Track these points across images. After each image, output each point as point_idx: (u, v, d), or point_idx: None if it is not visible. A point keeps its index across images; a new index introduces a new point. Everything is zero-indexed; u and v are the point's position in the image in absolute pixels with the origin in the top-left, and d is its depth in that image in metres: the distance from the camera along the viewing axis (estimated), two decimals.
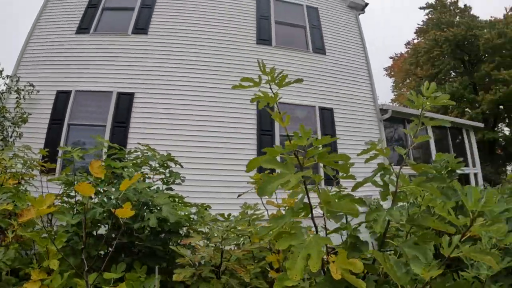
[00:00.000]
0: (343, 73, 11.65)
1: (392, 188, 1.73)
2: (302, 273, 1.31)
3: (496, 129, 34.01)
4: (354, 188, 1.81)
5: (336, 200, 1.69)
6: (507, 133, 38.97)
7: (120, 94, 9.03)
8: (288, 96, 9.78)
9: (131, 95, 9.09)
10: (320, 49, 11.51)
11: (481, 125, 17.14)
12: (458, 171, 3.11)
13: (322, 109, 10.63)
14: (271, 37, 10.85)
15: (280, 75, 1.88)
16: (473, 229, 1.41)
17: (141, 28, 10.04)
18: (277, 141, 9.57)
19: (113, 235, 2.60)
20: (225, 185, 8.53)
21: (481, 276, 2.03)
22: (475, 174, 15.13)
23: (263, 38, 10.68)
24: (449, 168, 3.06)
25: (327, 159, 1.65)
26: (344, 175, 1.77)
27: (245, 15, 10.94)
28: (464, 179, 14.59)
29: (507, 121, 34.58)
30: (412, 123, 1.86)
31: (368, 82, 12.06)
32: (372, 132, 11.26)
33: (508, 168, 40.42)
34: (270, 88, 1.92)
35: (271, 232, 1.58)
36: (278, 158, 1.65)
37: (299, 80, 1.87)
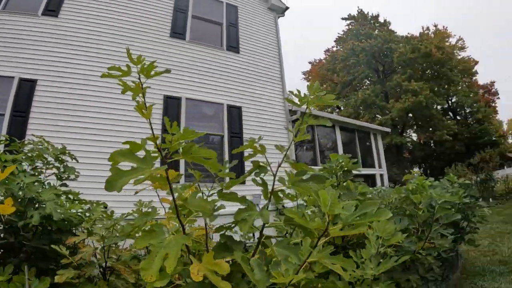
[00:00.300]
0: (255, 72, 11.73)
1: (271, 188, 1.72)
2: (158, 274, 1.25)
3: (404, 134, 36.55)
4: (227, 186, 1.75)
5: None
6: (414, 138, 41.97)
7: (21, 80, 8.34)
8: (197, 92, 9.79)
9: (33, 82, 8.28)
10: (234, 47, 11.49)
11: (388, 130, 18.24)
12: (355, 171, 3.27)
13: (230, 107, 10.52)
14: (185, 31, 10.51)
15: (147, 65, 1.69)
16: (331, 232, 1.36)
17: (52, 9, 9.04)
18: None
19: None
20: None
21: (365, 276, 2.12)
22: (381, 175, 16.07)
23: (177, 32, 10.27)
24: (345, 168, 3.22)
25: (192, 155, 1.56)
26: (225, 172, 1.78)
27: (162, 6, 10.44)
28: (371, 180, 15.44)
29: (415, 127, 37.23)
30: (297, 122, 1.83)
31: (280, 84, 12.27)
32: (280, 132, 11.44)
33: (415, 169, 43.49)
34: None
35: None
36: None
37: (167, 71, 1.76)
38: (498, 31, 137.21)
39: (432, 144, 40.30)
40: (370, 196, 3.54)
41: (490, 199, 22.41)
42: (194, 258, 1.42)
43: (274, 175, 1.69)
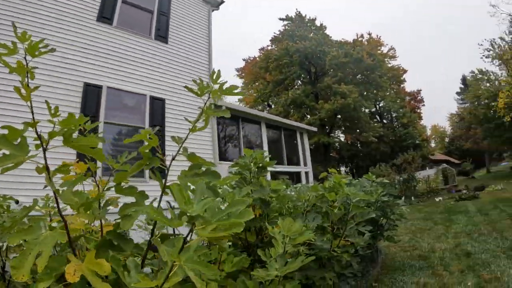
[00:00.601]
0: (183, 65, 11.44)
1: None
2: (29, 273, 1.18)
3: (332, 135, 37.67)
4: (116, 179, 1.67)
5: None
6: (342, 139, 43.40)
7: None
8: (120, 81, 9.34)
9: None
10: (163, 37, 11.08)
11: (315, 129, 18.69)
12: (280, 169, 3.25)
13: (154, 98, 10.14)
14: (113, 16, 9.84)
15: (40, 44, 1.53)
16: (200, 233, 1.27)
17: None
18: (101, 128, 8.48)
19: None
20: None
21: (268, 277, 2.06)
22: (306, 173, 16.42)
23: (104, 16, 9.58)
24: (260, 165, 3.19)
25: (73, 143, 1.45)
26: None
27: None
28: (296, 177, 15.76)
29: (342, 128, 38.50)
30: (199, 114, 1.81)
31: (207, 78, 11.80)
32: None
33: (342, 169, 45.04)
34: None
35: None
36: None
37: (52, 50, 1.58)
38: (431, 43, 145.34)
39: (358, 145, 41.81)
40: (284, 193, 3.48)
41: (412, 198, 23.43)
42: (74, 257, 1.34)
43: (167, 168, 1.67)
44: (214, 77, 1.79)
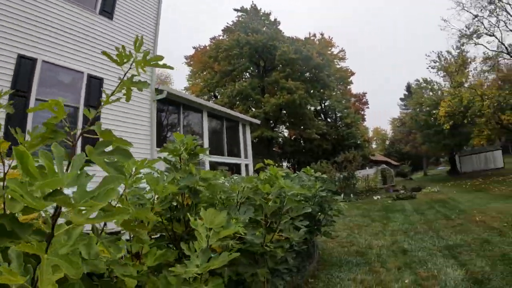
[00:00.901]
0: (126, 44, 10.63)
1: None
2: None
3: (276, 129, 37.93)
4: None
5: None
6: (286, 134, 43.85)
7: None
8: (57, 56, 8.73)
9: None
10: (108, 12, 10.44)
11: (258, 122, 18.62)
12: (219, 159, 3.03)
13: (91, 77, 9.54)
14: None
15: None
16: (72, 219, 1.03)
17: None
18: (32, 104, 7.91)
19: None
20: None
21: (187, 274, 1.86)
22: (247, 165, 16.36)
23: None
24: (191, 151, 2.96)
25: None
26: None
27: None
28: (236, 169, 15.64)
29: (287, 124, 38.82)
30: (118, 86, 1.65)
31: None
32: (143, 110, 10.85)
33: (284, 164, 45.47)
34: None
35: None
36: None
37: None
38: (382, 49, 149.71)
39: (301, 141, 42.35)
40: (216, 182, 3.30)
41: (351, 195, 24.09)
42: None
43: (73, 144, 1.46)
44: (137, 44, 1.62)
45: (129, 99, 1.71)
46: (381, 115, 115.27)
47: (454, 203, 15.78)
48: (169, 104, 12.70)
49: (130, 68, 1.71)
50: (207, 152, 3.11)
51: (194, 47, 41.97)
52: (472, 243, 7.35)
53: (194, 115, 14.00)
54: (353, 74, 49.61)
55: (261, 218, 3.42)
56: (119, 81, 1.62)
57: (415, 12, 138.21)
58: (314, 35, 41.88)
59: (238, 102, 32.33)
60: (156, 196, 2.37)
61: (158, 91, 11.46)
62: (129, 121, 10.15)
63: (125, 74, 1.62)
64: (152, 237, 2.83)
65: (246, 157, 16.54)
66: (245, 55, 33.46)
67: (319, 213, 5.80)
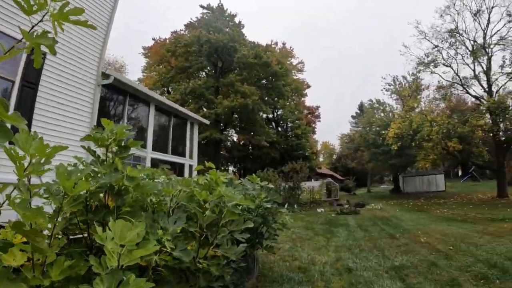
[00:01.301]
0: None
1: None
2: None
3: (225, 132, 37.39)
4: None
5: None
6: (235, 138, 43.54)
7: None
8: None
9: None
10: None
11: (206, 122, 18.00)
12: (161, 157, 2.48)
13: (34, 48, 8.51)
14: None
15: None
16: None
17: None
18: None
19: None
20: None
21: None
22: (191, 166, 15.70)
23: None
24: (122, 143, 2.54)
25: None
26: None
27: None
28: (179, 169, 14.98)
29: (237, 128, 38.40)
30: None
31: (101, 41, 10.50)
32: (85, 93, 9.83)
33: (231, 168, 45.17)
34: None
35: None
36: None
37: None
38: (339, 66, 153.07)
39: (250, 147, 42.23)
40: (146, 182, 2.81)
41: (295, 206, 24.00)
42: None
43: None
44: None
45: (38, 64, 1.41)
46: (331, 130, 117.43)
47: (397, 221, 15.91)
48: (115, 92, 11.83)
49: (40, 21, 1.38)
50: (149, 148, 2.60)
51: (154, 39, 40.59)
52: (419, 265, 7.12)
53: (140, 107, 13.22)
54: (309, 86, 50.12)
55: (195, 229, 2.98)
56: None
57: (380, 33, 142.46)
58: (276, 43, 41.78)
59: (190, 101, 31.31)
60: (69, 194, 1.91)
61: (105, 75, 10.47)
62: (70, 104, 9.21)
63: (32, 28, 1.32)
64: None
65: (191, 157, 15.89)
66: (203, 53, 32.59)
67: (262, 226, 5.37)
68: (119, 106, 12.39)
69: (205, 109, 30.06)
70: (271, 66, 31.81)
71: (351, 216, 18.80)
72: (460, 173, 62.68)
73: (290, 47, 45.45)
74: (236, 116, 34.93)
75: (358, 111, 66.68)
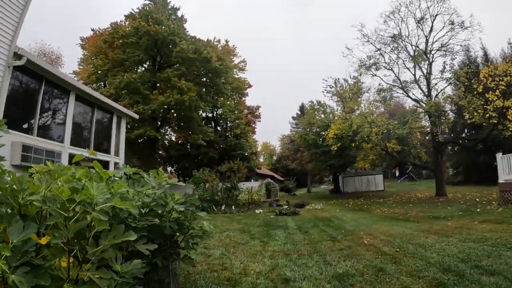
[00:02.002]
0: None
1: None
2: None
3: (162, 130, 35.88)
4: None
5: None
6: (173, 138, 42.15)
7: None
8: None
9: None
10: None
11: (135, 116, 16.71)
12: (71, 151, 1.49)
13: None
14: None
15: None
16: None
17: None
18: None
19: None
20: None
21: None
22: (116, 164, 14.41)
23: None
24: None
25: None
26: None
27: None
28: (103, 167, 13.66)
29: (176, 127, 36.99)
30: None
31: (17, 13, 9.18)
32: None
33: (169, 169, 43.71)
34: None
35: None
36: None
37: None
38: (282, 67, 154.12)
39: (188, 146, 41.00)
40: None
41: (233, 207, 23.41)
42: None
43: None
44: None
45: None
46: (272, 131, 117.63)
47: (339, 222, 15.38)
48: (30, 77, 10.47)
49: None
50: (67, 143, 2.22)
51: (93, 29, 37.49)
52: (366, 272, 6.31)
53: (59, 95, 11.79)
54: (250, 86, 49.40)
55: (62, 241, 2.30)
56: None
57: (323, 37, 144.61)
58: (219, 41, 40.38)
59: (124, 96, 29.23)
60: None
61: (17, 56, 9.19)
62: None
63: None
64: None
65: (117, 154, 14.60)
66: (142, 46, 30.45)
67: (177, 233, 4.51)
68: (34, 92, 10.90)
69: (140, 105, 28.04)
70: (210, 62, 30.40)
71: (290, 217, 18.12)
72: (397, 173, 64.69)
73: (233, 46, 44.60)
74: (173, 112, 33.55)
75: (299, 112, 66.93)
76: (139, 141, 33.92)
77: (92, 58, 37.09)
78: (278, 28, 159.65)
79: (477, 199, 21.44)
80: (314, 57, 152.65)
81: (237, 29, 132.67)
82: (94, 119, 13.43)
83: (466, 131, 35.93)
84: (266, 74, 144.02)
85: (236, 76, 45.93)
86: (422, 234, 10.60)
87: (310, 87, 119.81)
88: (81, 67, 39.50)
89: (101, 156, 13.54)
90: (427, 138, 32.64)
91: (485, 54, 35.79)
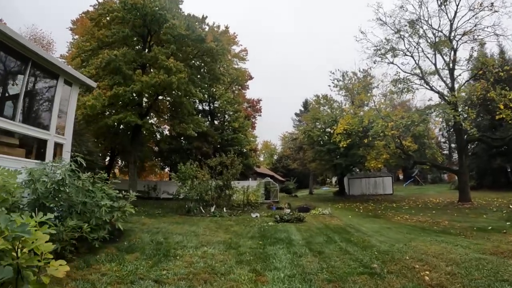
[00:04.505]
0: None
1: None
2: None
3: (151, 120, 31.93)
4: None
5: None
6: (166, 132, 38.40)
7: None
8: None
9: None
10: None
11: (93, 83, 12.60)
12: None
13: None
14: None
15: None
16: None
17: None
18: None
19: None
20: None
21: None
22: (60, 145, 10.53)
23: None
24: None
25: None
26: None
27: None
28: (39, 146, 9.91)
29: (165, 117, 33.06)
30: None
31: None
32: None
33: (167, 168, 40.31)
34: None
35: None
36: None
37: None
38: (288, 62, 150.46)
39: (182, 139, 37.21)
40: None
41: (224, 209, 19.71)
42: None
43: None
44: None
45: None
46: (273, 130, 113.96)
47: (359, 234, 11.67)
48: None
49: None
50: None
51: (84, 12, 33.04)
52: None
53: None
54: (251, 78, 45.55)
55: None
56: None
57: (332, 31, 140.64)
58: (218, 27, 36.15)
59: (104, 76, 25.05)
60: None
61: None
62: None
63: None
64: None
65: (61, 133, 10.67)
66: (129, 21, 26.35)
67: None
68: None
69: (122, 87, 23.78)
70: (205, 42, 26.24)
71: (294, 225, 14.06)
72: (401, 176, 61.92)
73: (234, 33, 40.68)
74: (162, 99, 29.66)
75: (302, 109, 63.07)
76: (120, 128, 30.05)
77: (82, 42, 32.86)
78: (280, 21, 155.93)
79: (510, 205, 19.39)
80: (317, 55, 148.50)
81: (242, 24, 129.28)
82: (28, 80, 9.55)
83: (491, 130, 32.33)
84: (264, 73, 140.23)
85: (236, 66, 42.11)
86: (498, 259, 7.15)
87: (314, 87, 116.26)
88: (71, 51, 35.30)
89: (35, 131, 9.66)
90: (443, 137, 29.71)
91: None
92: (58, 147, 10.45)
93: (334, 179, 67.11)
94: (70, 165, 8.37)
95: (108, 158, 38.09)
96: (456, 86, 24.86)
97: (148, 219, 14.69)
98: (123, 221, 9.62)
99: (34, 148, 10.04)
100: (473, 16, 23.79)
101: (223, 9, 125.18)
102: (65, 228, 6.86)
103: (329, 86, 40.61)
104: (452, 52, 24.97)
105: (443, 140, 54.14)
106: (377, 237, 10.93)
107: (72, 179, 8.15)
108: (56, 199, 7.73)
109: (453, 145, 48.35)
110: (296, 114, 67.53)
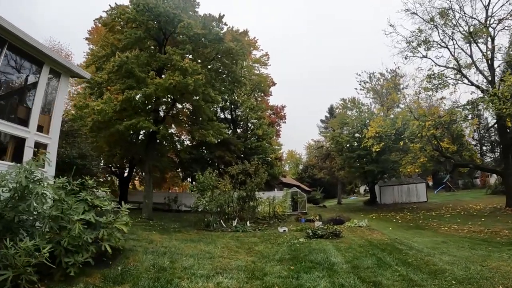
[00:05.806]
0: None
1: None
2: None
3: (170, 128, 29.89)
4: None
5: None
6: (188, 142, 36.70)
7: None
8: None
9: None
10: None
11: (86, 74, 10.78)
12: None
13: None
14: None
15: None
16: None
17: None
18: None
19: None
20: None
21: None
22: (45, 146, 8.71)
23: None
24: None
25: None
26: None
27: None
28: (16, 145, 8.06)
29: (185, 126, 31.07)
30: None
31: None
32: None
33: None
34: None
35: None
36: None
37: None
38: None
39: (204, 149, 35.39)
40: None
41: (248, 222, 17.54)
42: None
43: None
44: None
45: None
46: (298, 139, 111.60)
47: (416, 253, 9.32)
48: None
49: None
50: None
51: (96, 18, 31.22)
52: None
53: None
54: (274, 84, 43.57)
55: None
56: None
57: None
58: (237, 31, 34.38)
59: (116, 80, 23.25)
60: None
61: None
62: None
63: None
64: None
65: (44, 131, 8.78)
66: (142, 23, 24.61)
67: None
68: None
69: (134, 91, 21.89)
70: (223, 41, 24.24)
71: (330, 242, 11.68)
72: (430, 183, 58.74)
73: (254, 38, 38.94)
74: (179, 104, 27.80)
75: (328, 115, 60.74)
76: (134, 136, 28.32)
77: (96, 49, 31.54)
78: (300, 30, 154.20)
79: None
80: (341, 64, 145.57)
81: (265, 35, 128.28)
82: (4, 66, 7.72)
83: None
84: (287, 83, 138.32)
85: (257, 72, 40.62)
86: None
87: (339, 92, 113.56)
88: (85, 60, 34.21)
89: (10, 127, 7.77)
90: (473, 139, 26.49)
91: None
92: (40, 147, 8.57)
93: (362, 188, 64.60)
94: (30, 166, 6.36)
95: (127, 170, 36.62)
96: (496, 79, 22.45)
97: (159, 235, 12.67)
98: (120, 240, 7.62)
99: (11, 146, 8.20)
100: (507, 1, 21.76)
101: (241, 17, 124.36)
102: (16, 250, 4.90)
103: (356, 89, 39.18)
104: (490, 41, 22.73)
105: (473, 142, 51.22)
106: (439, 256, 8.65)
107: (41, 186, 6.17)
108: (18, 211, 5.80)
109: (484, 148, 45.02)
110: (322, 121, 65.16)
